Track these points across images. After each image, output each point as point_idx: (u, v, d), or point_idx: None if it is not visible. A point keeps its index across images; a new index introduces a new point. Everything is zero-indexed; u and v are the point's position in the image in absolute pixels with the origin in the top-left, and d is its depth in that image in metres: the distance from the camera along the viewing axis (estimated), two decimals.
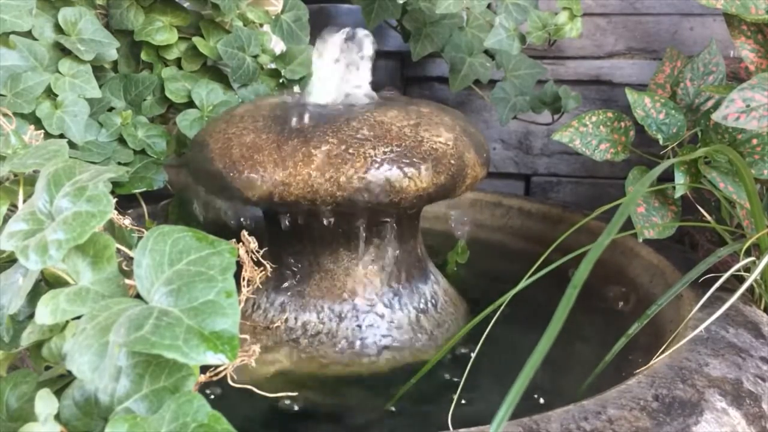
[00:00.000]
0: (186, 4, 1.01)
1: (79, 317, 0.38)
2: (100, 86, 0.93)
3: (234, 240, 0.43)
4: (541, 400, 0.70)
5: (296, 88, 1.05)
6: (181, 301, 0.36)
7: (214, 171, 0.76)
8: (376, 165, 0.72)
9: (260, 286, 0.52)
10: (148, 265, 0.38)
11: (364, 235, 0.80)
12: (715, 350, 0.64)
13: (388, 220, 0.81)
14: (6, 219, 0.50)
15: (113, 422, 0.35)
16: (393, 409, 0.71)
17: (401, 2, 1.08)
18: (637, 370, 0.63)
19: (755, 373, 0.62)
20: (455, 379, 0.65)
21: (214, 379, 0.43)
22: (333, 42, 0.83)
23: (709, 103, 0.88)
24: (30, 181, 0.51)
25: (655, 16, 1.19)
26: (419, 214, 0.88)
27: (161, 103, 1.00)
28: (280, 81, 1.04)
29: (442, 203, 1.14)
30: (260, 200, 0.74)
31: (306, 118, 0.76)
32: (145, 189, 0.93)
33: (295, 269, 0.82)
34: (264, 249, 0.53)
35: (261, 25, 1.06)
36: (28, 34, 0.88)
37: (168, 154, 0.97)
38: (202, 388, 0.42)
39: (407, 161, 0.73)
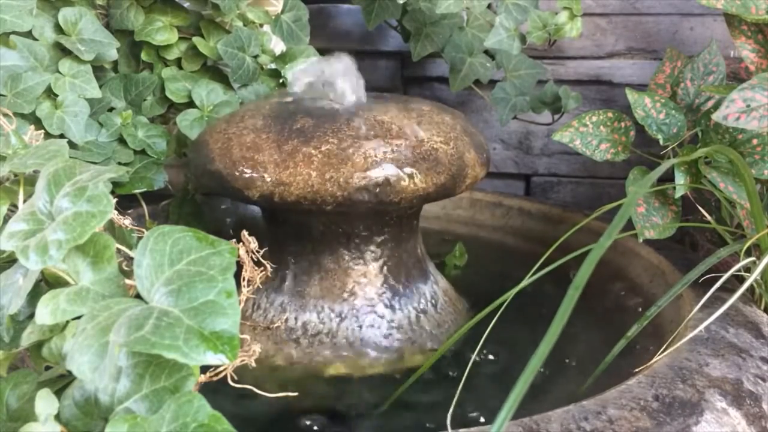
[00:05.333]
0: (186, 4, 1.01)
1: (79, 317, 0.38)
2: (101, 86, 0.93)
3: (234, 240, 0.43)
4: None
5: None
6: (182, 301, 0.36)
7: (214, 171, 0.76)
8: (376, 165, 0.72)
9: (260, 286, 0.52)
10: (148, 265, 0.38)
11: (364, 234, 0.80)
12: (716, 350, 0.64)
13: (388, 220, 0.81)
14: (6, 219, 0.50)
15: (113, 422, 0.35)
16: (392, 408, 0.71)
17: (401, 2, 1.08)
18: (637, 370, 0.63)
19: (755, 373, 0.62)
20: (455, 379, 0.65)
21: (214, 379, 0.43)
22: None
23: (710, 103, 0.88)
24: (30, 181, 0.51)
25: (655, 16, 1.19)
26: (419, 213, 0.88)
27: (161, 103, 1.00)
28: (280, 81, 1.04)
29: (441, 202, 1.14)
30: (260, 200, 0.74)
31: (306, 118, 0.76)
32: (145, 189, 0.93)
33: (295, 269, 0.82)
34: (264, 249, 0.53)
35: (261, 25, 1.06)
36: (28, 34, 0.88)
37: (168, 154, 0.97)
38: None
39: (407, 161, 0.73)
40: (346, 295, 0.81)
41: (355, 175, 0.71)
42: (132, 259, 0.39)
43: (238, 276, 0.40)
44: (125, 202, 0.95)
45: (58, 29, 0.90)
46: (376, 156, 0.72)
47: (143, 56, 0.99)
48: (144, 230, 0.51)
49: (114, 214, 0.49)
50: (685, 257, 0.88)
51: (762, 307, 0.77)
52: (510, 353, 0.79)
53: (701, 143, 0.84)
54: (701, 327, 0.67)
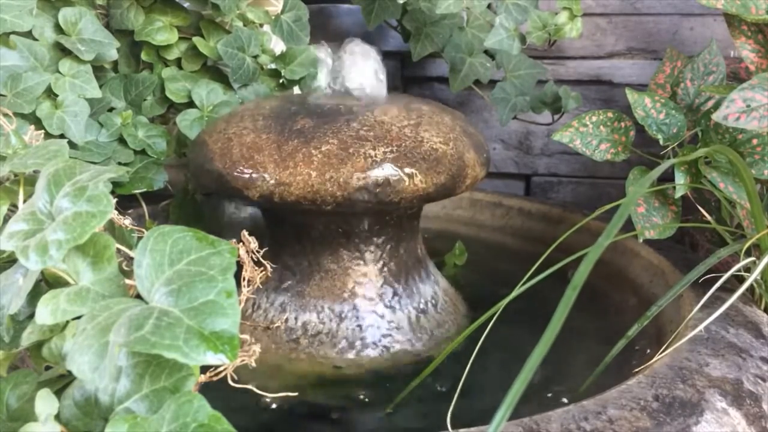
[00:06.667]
0: (186, 4, 1.01)
1: (79, 317, 0.38)
2: (101, 86, 0.93)
3: (234, 240, 0.43)
4: None
5: (296, 89, 1.05)
6: (182, 301, 0.36)
7: (214, 171, 0.76)
8: (376, 165, 0.72)
9: (260, 286, 0.52)
10: (148, 265, 0.38)
11: (364, 235, 0.80)
12: (716, 350, 0.64)
13: (388, 220, 0.81)
14: (6, 219, 0.50)
15: (113, 422, 0.35)
16: (392, 408, 0.71)
17: (401, 2, 1.08)
18: (637, 370, 0.63)
19: (755, 373, 0.62)
20: (456, 379, 0.65)
21: (214, 379, 0.43)
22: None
23: (710, 103, 0.88)
24: (30, 181, 0.51)
25: (655, 16, 1.19)
26: (419, 213, 0.88)
27: (161, 103, 1.00)
28: (280, 81, 1.04)
29: (441, 202, 1.14)
30: (260, 200, 0.74)
31: (306, 119, 0.76)
32: (145, 189, 0.93)
33: (295, 269, 0.82)
34: (264, 249, 0.53)
35: (261, 25, 1.06)
36: (29, 34, 0.88)
37: (168, 154, 0.97)
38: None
39: (407, 161, 0.73)
40: (346, 295, 0.81)
41: (355, 175, 0.71)
42: (132, 259, 0.39)
43: (238, 276, 0.40)
44: (125, 202, 0.95)
45: (58, 29, 0.90)
46: (375, 156, 0.72)
47: (143, 56, 0.99)
48: (144, 230, 0.50)
49: (114, 214, 0.49)
50: (685, 257, 0.88)
51: (762, 307, 0.77)
52: (510, 353, 0.79)
53: (701, 143, 0.84)
54: (701, 327, 0.67)
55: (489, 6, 1.10)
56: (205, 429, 0.34)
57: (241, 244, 0.50)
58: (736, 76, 0.96)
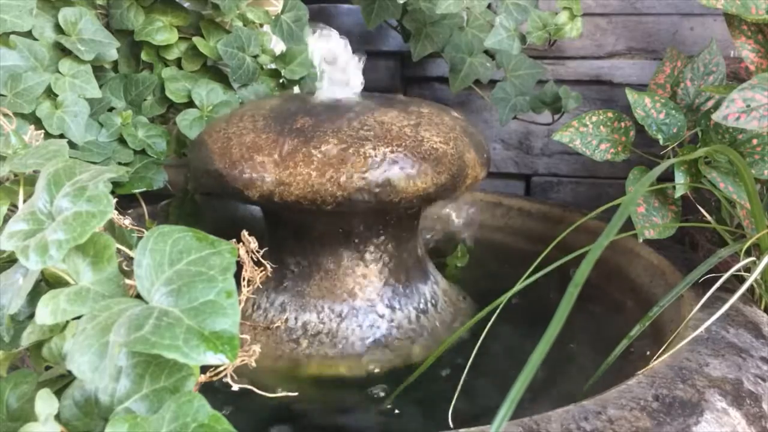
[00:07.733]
0: (186, 4, 1.01)
1: (79, 317, 0.38)
2: (100, 86, 0.93)
3: (234, 240, 0.43)
4: None
5: (296, 89, 1.05)
6: (182, 301, 0.36)
7: (214, 171, 0.76)
8: (377, 165, 0.72)
9: (260, 286, 0.52)
10: (148, 265, 0.38)
11: (364, 235, 0.80)
12: (716, 350, 0.64)
13: (388, 220, 0.81)
14: (6, 219, 0.50)
15: (113, 422, 0.35)
16: (392, 407, 0.71)
17: (401, 2, 1.08)
18: (637, 369, 0.63)
19: (756, 373, 0.62)
20: (456, 378, 0.65)
21: (214, 379, 0.43)
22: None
23: (710, 103, 0.88)
24: (30, 181, 0.51)
25: (656, 16, 1.19)
26: (419, 213, 0.88)
27: (161, 103, 1.00)
28: (280, 81, 1.04)
29: (441, 202, 1.14)
30: (260, 200, 0.74)
31: (306, 118, 0.76)
32: (145, 189, 0.93)
33: (295, 269, 0.82)
34: (264, 249, 0.53)
35: (261, 25, 1.06)
36: (29, 34, 0.88)
37: (168, 154, 0.97)
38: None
39: (407, 161, 0.73)
40: (346, 295, 0.81)
41: (355, 175, 0.71)
42: (132, 259, 0.39)
43: (238, 276, 0.40)
44: (125, 202, 0.95)
45: (58, 29, 0.90)
46: (376, 156, 0.72)
47: (143, 56, 0.99)
48: (144, 230, 0.50)
49: (114, 214, 0.49)
50: (685, 257, 0.88)
51: (762, 307, 0.77)
52: (509, 352, 0.79)
53: (701, 143, 0.84)
54: (701, 327, 0.67)
55: (489, 6, 1.10)
56: (205, 429, 0.34)
57: (241, 244, 0.50)
58: (736, 76, 0.96)
